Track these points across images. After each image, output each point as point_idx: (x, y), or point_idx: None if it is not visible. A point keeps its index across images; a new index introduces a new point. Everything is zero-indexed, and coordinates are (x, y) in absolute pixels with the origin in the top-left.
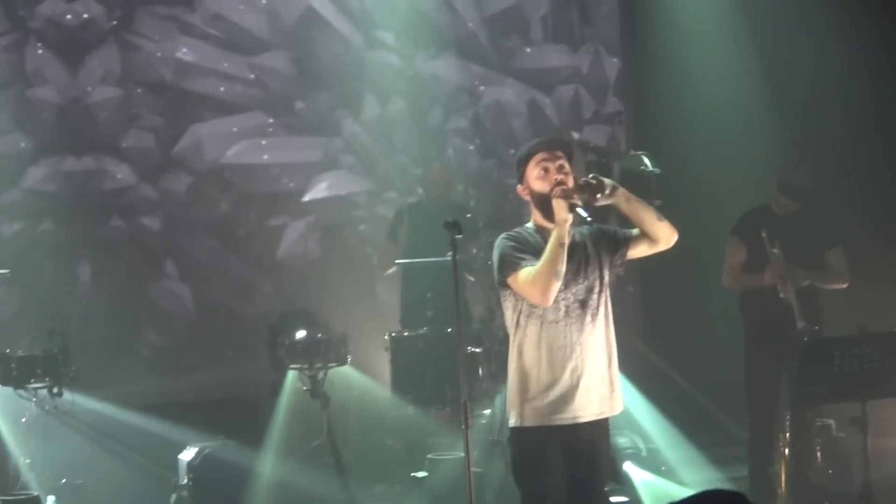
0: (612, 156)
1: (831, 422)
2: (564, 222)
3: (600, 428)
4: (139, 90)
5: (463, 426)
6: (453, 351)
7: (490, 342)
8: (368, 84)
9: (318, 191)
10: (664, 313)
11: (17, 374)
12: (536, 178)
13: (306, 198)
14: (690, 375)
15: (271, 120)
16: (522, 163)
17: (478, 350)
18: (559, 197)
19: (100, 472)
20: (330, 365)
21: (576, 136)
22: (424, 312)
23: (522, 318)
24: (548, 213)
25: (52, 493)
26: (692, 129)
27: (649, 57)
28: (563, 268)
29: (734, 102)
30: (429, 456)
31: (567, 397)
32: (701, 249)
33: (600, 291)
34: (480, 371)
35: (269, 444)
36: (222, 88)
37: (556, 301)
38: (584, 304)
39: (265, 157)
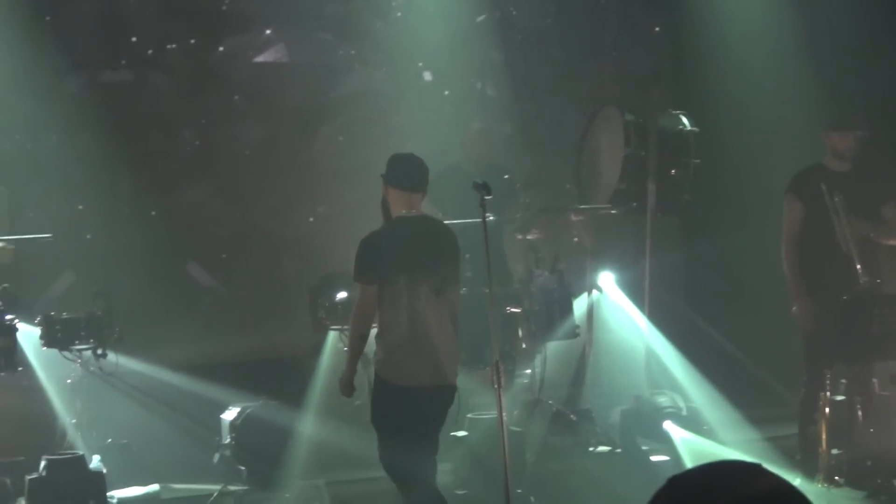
0: (649, 116)
1: (874, 380)
2: None
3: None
4: (176, 3)
5: (496, 385)
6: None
7: (529, 302)
8: None
9: (347, 89)
10: (705, 273)
11: (61, 336)
12: None
13: (335, 96)
14: (731, 335)
15: (302, 28)
16: None
17: (517, 310)
18: None
19: (144, 432)
20: (372, 326)
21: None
22: (463, 273)
23: None
24: None
25: (97, 453)
26: (730, 86)
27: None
28: None
29: (773, 58)
30: (468, 415)
31: None
32: (741, 210)
33: None
34: (520, 331)
35: (310, 404)
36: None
37: None
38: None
39: (298, 62)
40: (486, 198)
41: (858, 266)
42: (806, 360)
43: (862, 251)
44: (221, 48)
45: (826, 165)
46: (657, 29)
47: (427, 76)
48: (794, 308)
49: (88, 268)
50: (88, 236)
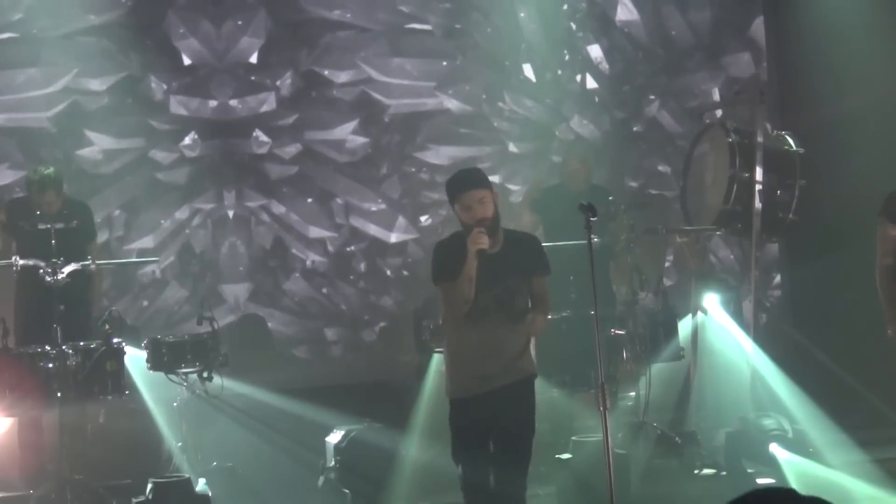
0: (754, 136)
1: None
2: (473, 260)
3: None
4: (279, 25)
5: (601, 408)
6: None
7: (634, 324)
8: None
9: (447, 98)
10: (810, 294)
11: (168, 360)
12: (461, 212)
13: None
14: (837, 356)
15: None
16: (451, 196)
17: (621, 332)
18: (471, 242)
19: (249, 454)
20: None
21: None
22: (568, 295)
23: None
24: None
25: (203, 476)
26: (839, 106)
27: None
28: (470, 296)
29: (876, 75)
30: (573, 438)
31: None
32: (848, 230)
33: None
34: (625, 353)
35: (414, 427)
36: (354, 15)
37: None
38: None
39: (404, 72)
40: (592, 219)
41: None
42: None
43: None
44: (320, 52)
45: None
46: (756, 36)
47: (527, 69)
48: (889, 332)
49: (194, 283)
50: (198, 252)
